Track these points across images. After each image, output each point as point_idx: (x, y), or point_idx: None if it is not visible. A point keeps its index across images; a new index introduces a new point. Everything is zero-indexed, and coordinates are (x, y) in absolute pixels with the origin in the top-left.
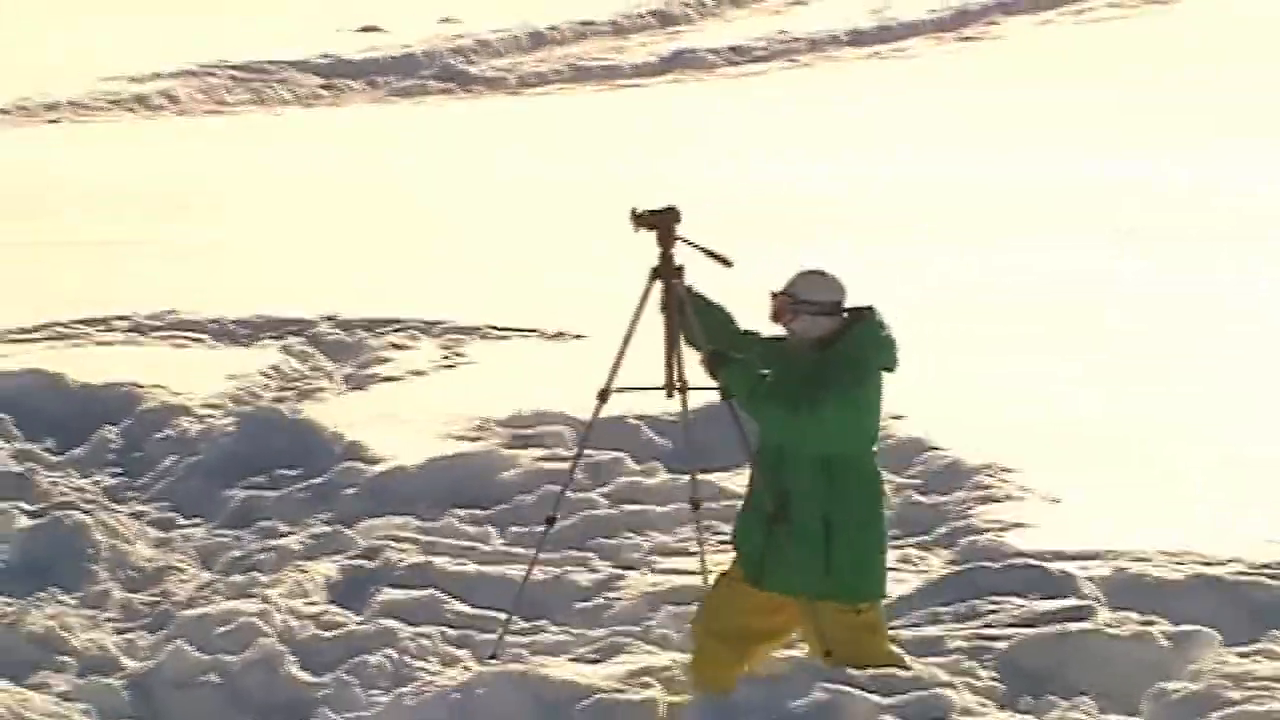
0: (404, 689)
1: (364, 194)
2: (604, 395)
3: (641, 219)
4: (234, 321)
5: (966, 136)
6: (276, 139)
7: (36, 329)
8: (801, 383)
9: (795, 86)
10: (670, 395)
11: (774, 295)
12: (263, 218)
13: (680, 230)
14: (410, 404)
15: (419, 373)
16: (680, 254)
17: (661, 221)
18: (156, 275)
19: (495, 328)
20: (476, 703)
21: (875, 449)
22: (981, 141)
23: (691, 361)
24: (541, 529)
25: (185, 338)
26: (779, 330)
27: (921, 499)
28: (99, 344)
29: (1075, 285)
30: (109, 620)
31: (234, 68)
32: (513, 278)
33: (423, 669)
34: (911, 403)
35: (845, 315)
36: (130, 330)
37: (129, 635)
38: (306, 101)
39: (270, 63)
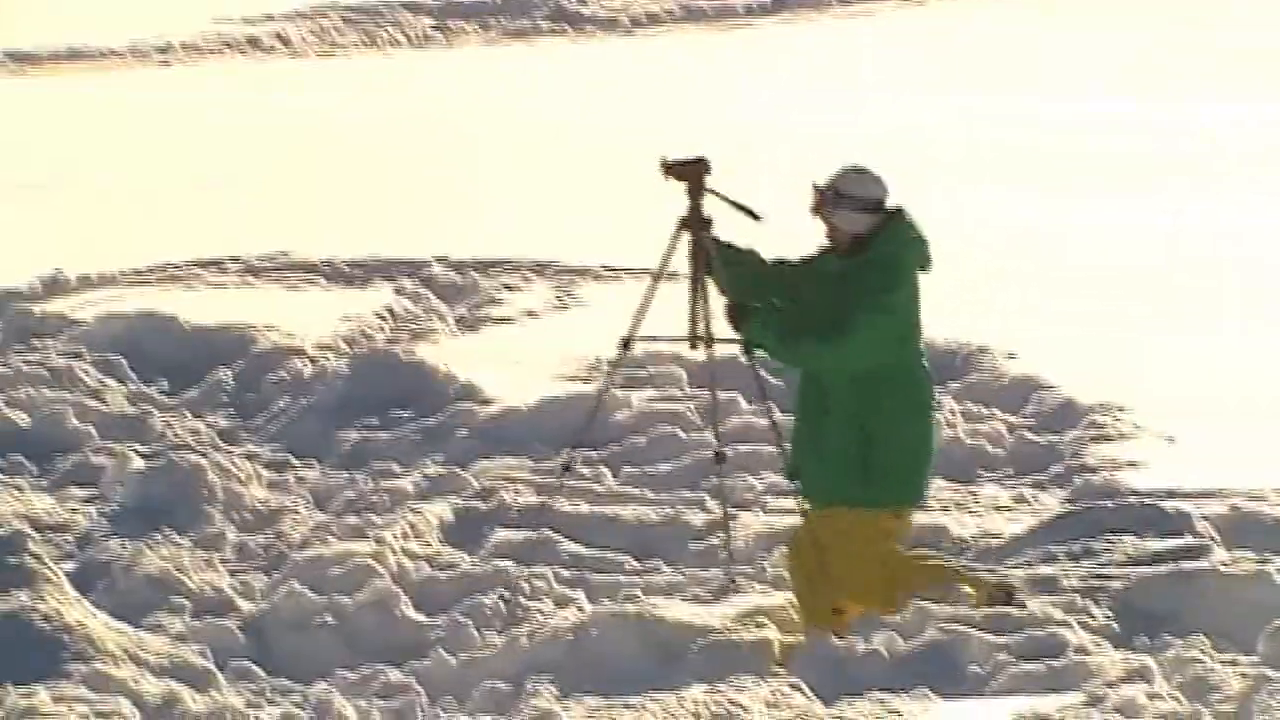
0: (518, 629)
1: (473, 135)
2: (627, 343)
3: (671, 169)
4: (347, 263)
5: (1078, 77)
6: (386, 80)
7: (149, 270)
8: (831, 300)
9: (907, 23)
10: (694, 346)
11: (816, 189)
12: (373, 159)
13: (710, 182)
14: (523, 345)
15: (531, 314)
16: (710, 206)
17: (691, 172)
18: (268, 217)
19: (607, 268)
20: (590, 643)
21: (921, 352)
22: (1090, 84)
23: (717, 313)
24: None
25: (298, 279)
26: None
27: (1035, 438)
28: (212, 285)
29: (1193, 228)
30: (223, 562)
31: (346, 9)
32: (624, 218)
33: (537, 609)
34: (1024, 341)
35: (882, 216)
36: (243, 272)
37: (243, 576)
38: (418, 43)
39: (382, 4)
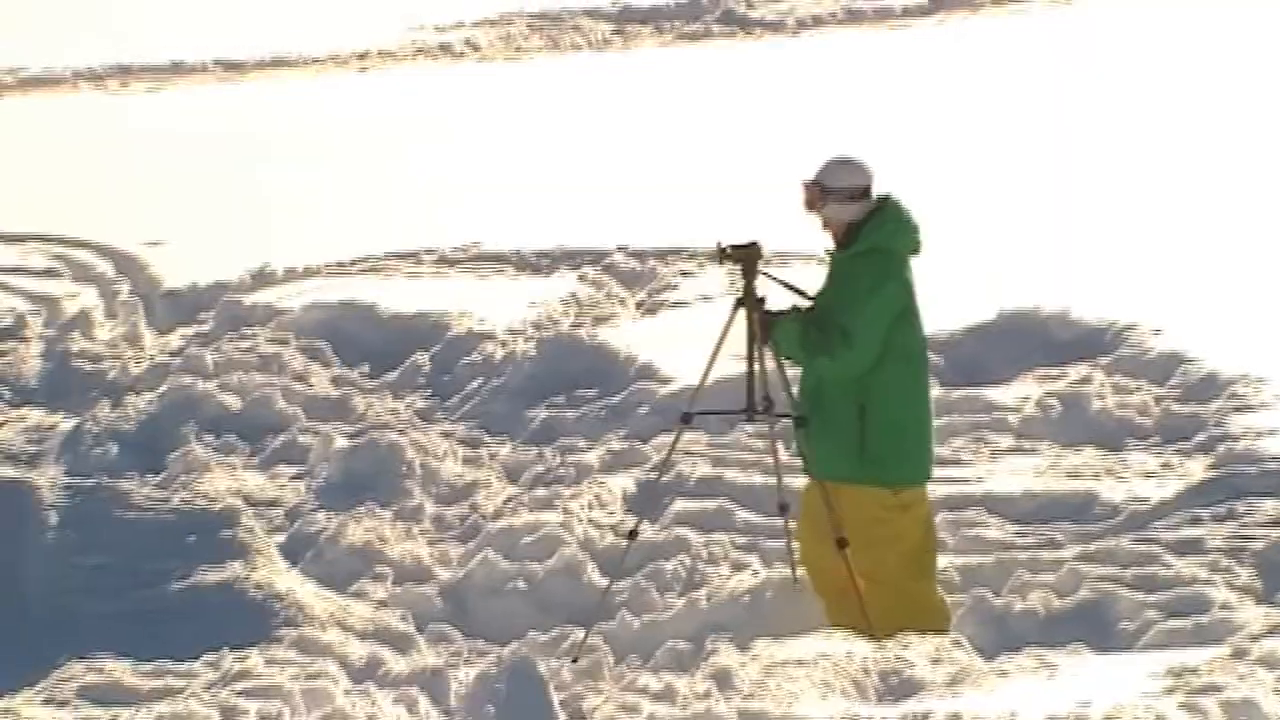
0: (697, 593)
1: (649, 131)
2: (687, 418)
3: (726, 254)
4: (534, 253)
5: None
6: (569, 82)
7: (352, 263)
8: (834, 301)
9: (1060, 22)
10: (751, 419)
11: (805, 184)
12: (557, 155)
13: (762, 265)
14: (699, 327)
15: (706, 298)
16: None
17: (746, 256)
18: (460, 210)
19: (777, 254)
20: (766, 605)
21: (918, 332)
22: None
23: (773, 386)
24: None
25: (489, 269)
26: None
27: (1181, 408)
28: (409, 276)
29: None
30: (422, 532)
31: (531, 15)
32: (792, 207)
33: (714, 574)
34: (1168, 317)
35: (874, 202)
36: (438, 263)
37: (441, 546)
38: (597, 46)
39: (564, 10)
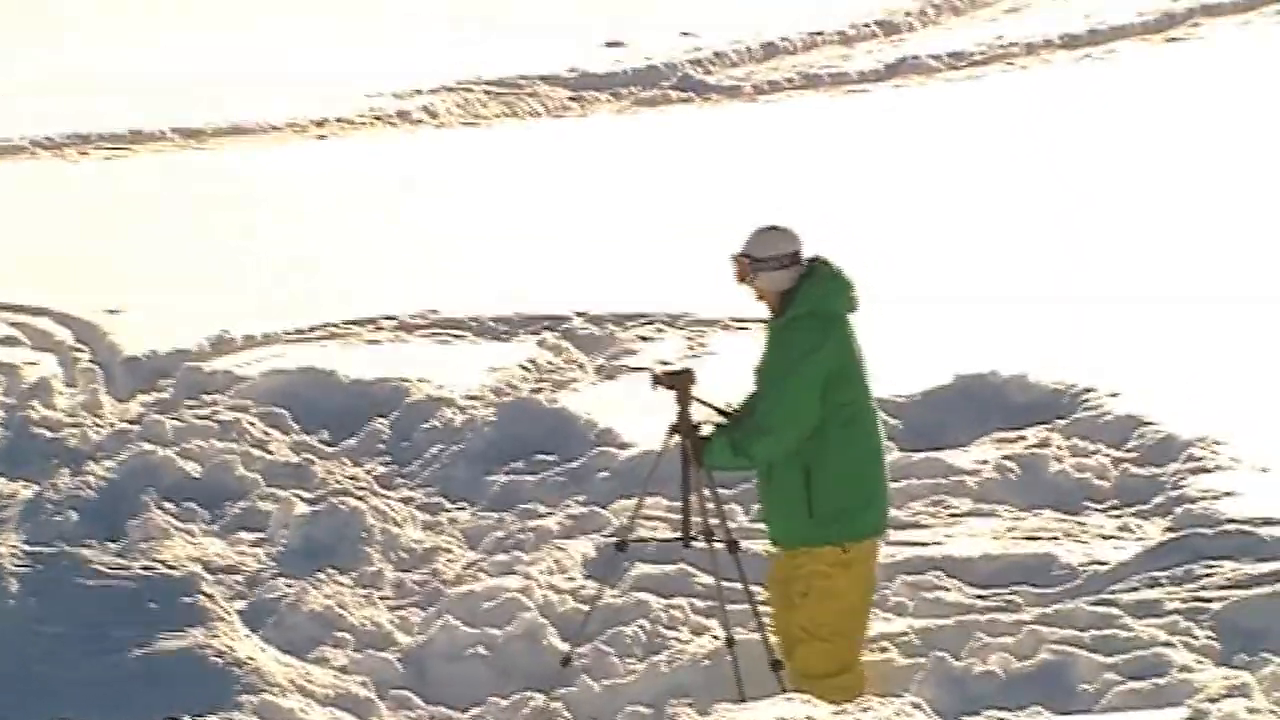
0: (658, 656)
1: (604, 197)
2: (622, 545)
3: (660, 380)
4: (492, 318)
5: (1171, 134)
6: (527, 148)
7: (311, 330)
8: (763, 374)
9: (1013, 88)
10: (687, 545)
11: (733, 257)
12: (516, 220)
13: (695, 389)
14: (657, 393)
15: (665, 363)
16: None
17: (679, 382)
18: (419, 277)
19: (736, 319)
20: (726, 668)
21: (864, 388)
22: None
23: (710, 510)
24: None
25: (447, 334)
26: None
27: (1138, 471)
28: (368, 342)
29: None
30: (383, 598)
31: (488, 82)
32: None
33: (675, 638)
34: (1126, 380)
35: (805, 266)
36: (397, 329)
37: (402, 612)
38: (556, 113)
39: (522, 77)
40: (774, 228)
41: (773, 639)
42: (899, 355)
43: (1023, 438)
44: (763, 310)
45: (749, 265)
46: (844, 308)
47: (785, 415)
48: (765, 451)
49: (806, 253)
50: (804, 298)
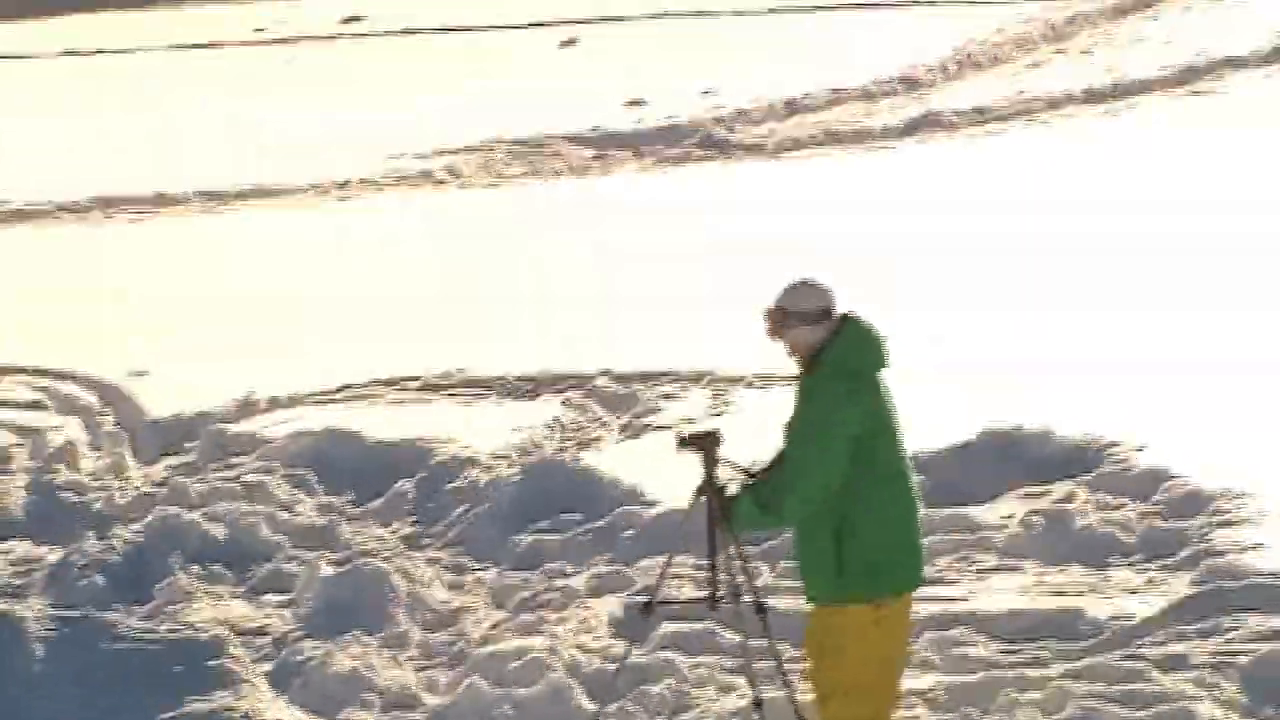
0: (685, 716)
1: (633, 255)
2: (648, 608)
3: (686, 443)
4: (517, 378)
5: (1196, 188)
6: (550, 207)
7: (336, 391)
8: (791, 429)
9: (1037, 143)
10: (715, 607)
11: (766, 311)
12: (539, 279)
13: (720, 451)
14: (683, 454)
15: (689, 420)
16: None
17: (705, 444)
18: (443, 337)
19: (760, 376)
20: None
21: (896, 444)
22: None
23: (738, 571)
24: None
25: (472, 394)
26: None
27: (1165, 524)
28: (392, 402)
29: None
30: (409, 659)
31: (512, 142)
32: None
33: (702, 697)
34: (1151, 433)
35: (836, 322)
36: (421, 389)
37: (428, 672)
38: (578, 172)
39: (545, 136)
40: (806, 282)
41: (803, 697)
42: (924, 411)
43: (1048, 492)
44: (790, 367)
45: (782, 319)
46: (874, 365)
47: (811, 473)
48: (791, 510)
49: (838, 309)
50: (834, 354)
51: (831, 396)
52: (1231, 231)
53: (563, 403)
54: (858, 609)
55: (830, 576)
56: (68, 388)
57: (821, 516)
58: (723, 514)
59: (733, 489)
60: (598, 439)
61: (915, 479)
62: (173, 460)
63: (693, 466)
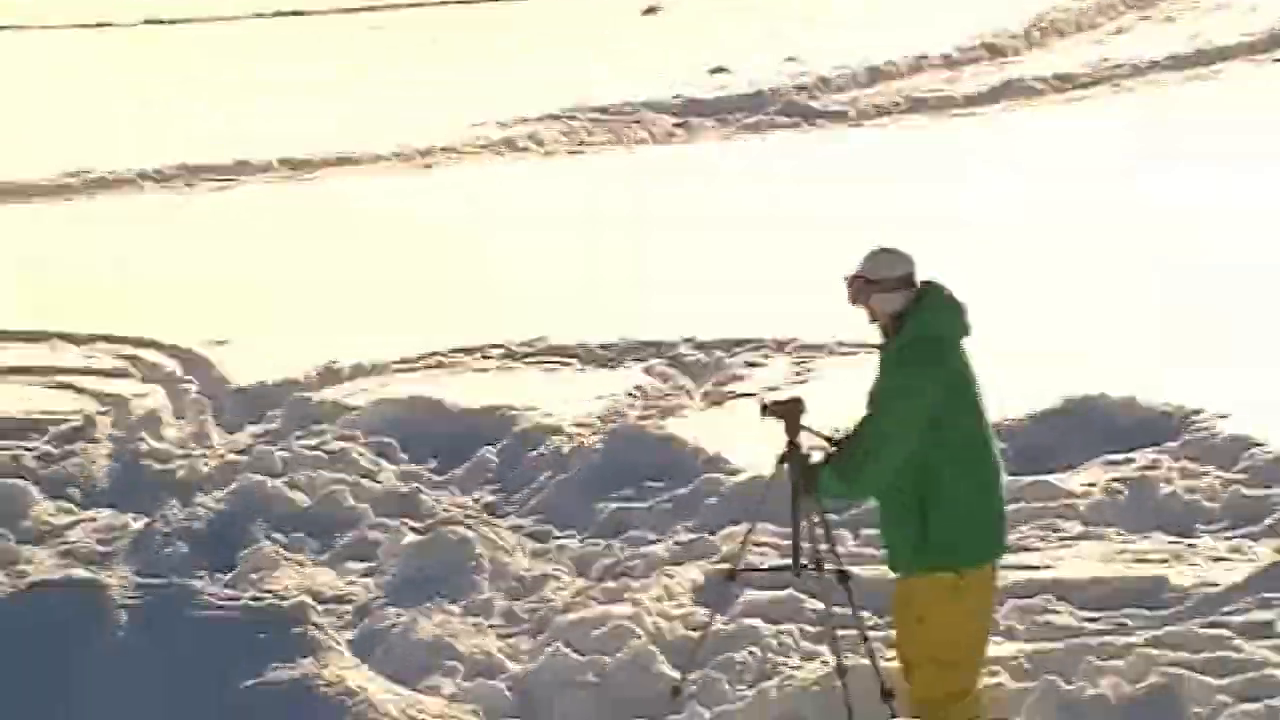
0: (768, 683)
1: (712, 224)
2: (732, 574)
3: (769, 409)
4: (600, 346)
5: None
6: (633, 175)
7: (419, 359)
8: (872, 398)
9: (1120, 108)
10: (798, 574)
11: (848, 278)
12: (621, 246)
13: (805, 419)
14: (766, 422)
15: (772, 388)
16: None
17: (788, 412)
18: (527, 305)
19: (842, 344)
20: (837, 696)
21: (980, 415)
22: None
23: (821, 539)
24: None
25: (555, 362)
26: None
27: (1249, 492)
28: (476, 370)
29: None
30: (492, 627)
31: (594, 110)
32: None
33: (785, 665)
34: (1235, 401)
35: (917, 289)
36: (504, 357)
37: (511, 640)
38: (661, 140)
39: (628, 104)
40: (888, 249)
41: (886, 666)
42: (1007, 378)
43: (1132, 460)
44: (872, 334)
45: (863, 285)
46: (956, 332)
47: (888, 443)
48: (868, 480)
49: (919, 277)
50: (915, 322)
51: (912, 366)
52: None
53: (645, 370)
54: (940, 577)
55: (913, 546)
56: (151, 355)
57: (904, 486)
58: (806, 482)
59: (816, 457)
60: (680, 407)
61: (998, 447)
62: (256, 428)
63: (776, 434)
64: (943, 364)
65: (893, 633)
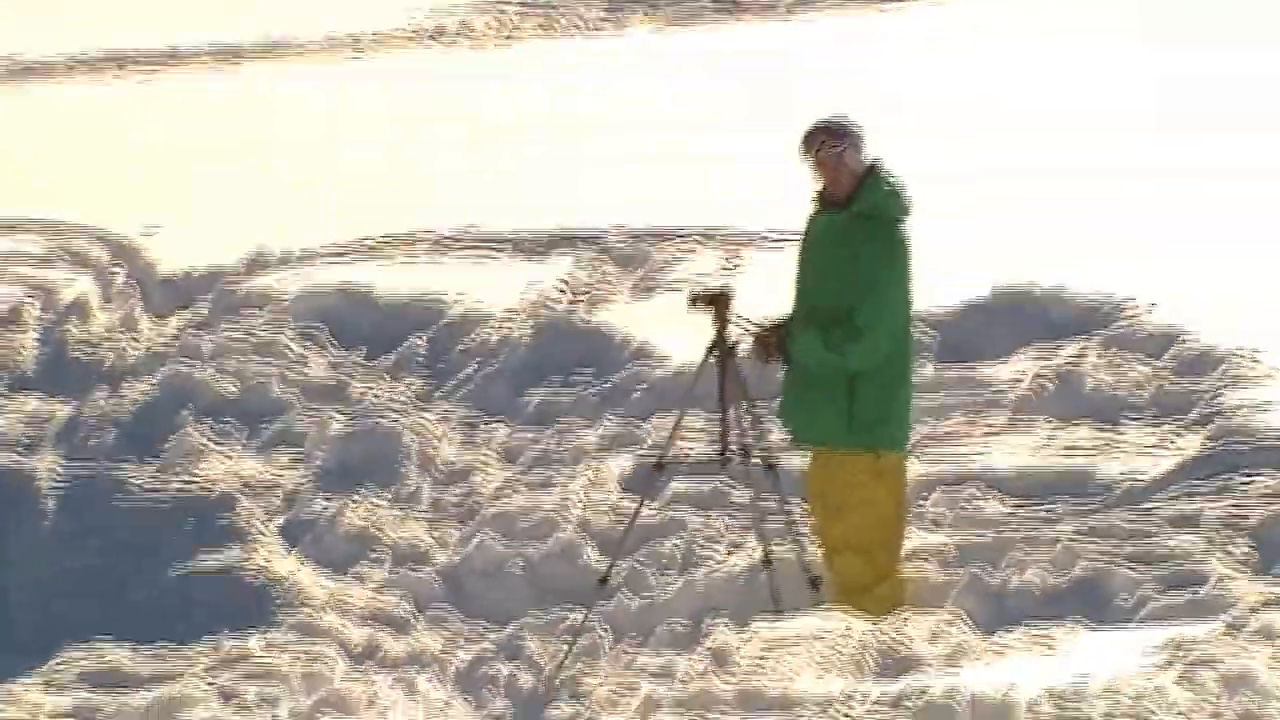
0: (695, 572)
1: (645, 114)
2: (659, 467)
3: (698, 300)
4: (529, 235)
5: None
6: (562, 65)
7: (348, 246)
8: (836, 270)
9: (1059, 3)
10: (724, 464)
11: (812, 137)
12: (551, 137)
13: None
14: (695, 312)
15: (703, 275)
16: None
17: (716, 302)
18: (456, 194)
19: (773, 232)
20: (763, 585)
21: (909, 302)
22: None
23: (748, 428)
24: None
25: (485, 251)
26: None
27: (1176, 383)
28: (405, 259)
29: None
30: (420, 516)
31: (522, 1)
32: (784, 186)
33: (712, 554)
34: (1164, 291)
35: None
36: (434, 246)
37: (439, 529)
38: (590, 31)
39: None
40: (843, 116)
41: (810, 554)
42: (935, 268)
43: (1060, 350)
44: (797, 223)
45: (842, 137)
46: (906, 211)
47: (881, 321)
48: (860, 356)
49: None
50: (874, 198)
51: (887, 244)
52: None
53: (574, 260)
54: (859, 459)
55: (840, 424)
56: (79, 243)
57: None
58: (778, 346)
59: (744, 347)
60: (609, 296)
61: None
62: (184, 316)
63: (704, 325)
64: (905, 247)
65: (814, 520)
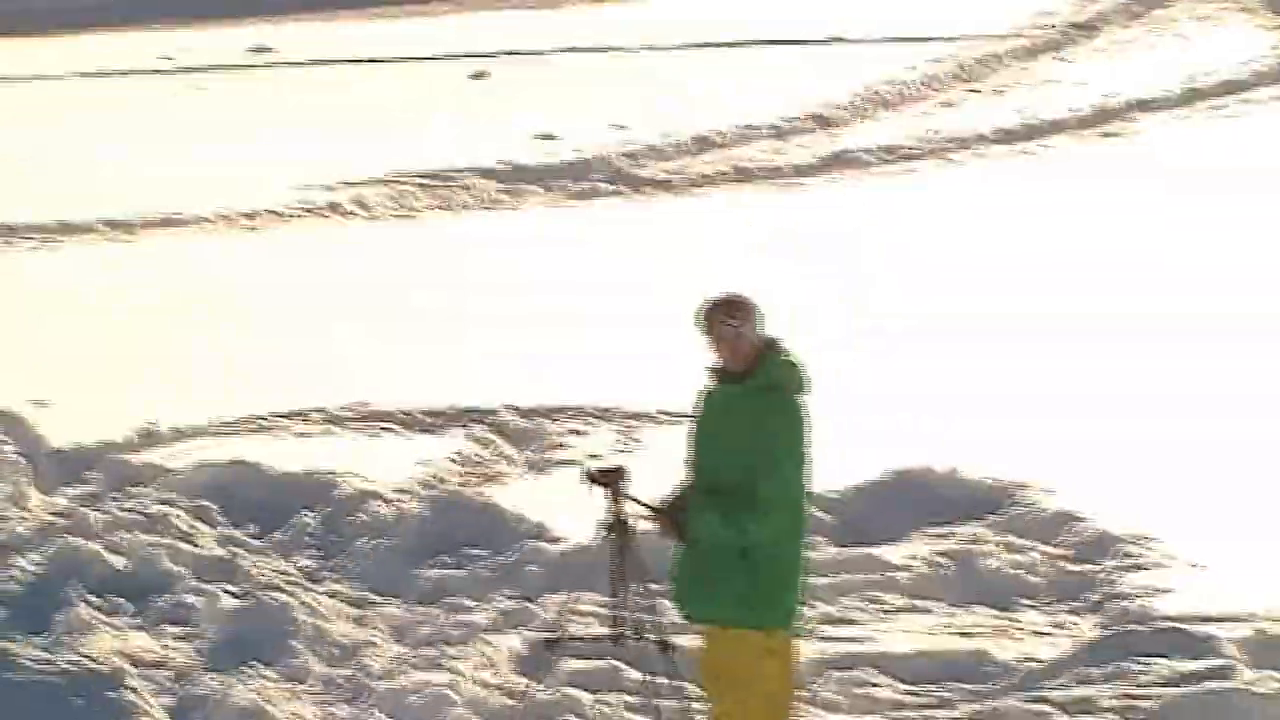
0: None
1: (536, 291)
2: (552, 644)
3: (592, 477)
4: (422, 411)
5: (1107, 229)
6: (459, 240)
7: (239, 421)
8: (736, 443)
9: (948, 182)
10: (618, 644)
11: (711, 311)
12: (445, 312)
13: (627, 487)
14: (590, 490)
15: (595, 456)
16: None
17: (611, 480)
18: (348, 369)
19: (664, 412)
20: None
21: (806, 474)
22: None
23: (642, 608)
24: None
25: (377, 427)
26: None
27: (1072, 567)
28: (297, 435)
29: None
30: (309, 693)
31: (420, 175)
32: (678, 366)
33: None
34: (1060, 476)
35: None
36: (326, 421)
37: (328, 707)
38: (487, 205)
39: (453, 169)
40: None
41: None
42: (832, 449)
43: (955, 533)
44: (685, 401)
45: (745, 315)
46: (804, 390)
47: (787, 496)
48: (761, 531)
49: None
50: (776, 369)
51: (790, 418)
52: (1142, 271)
53: (467, 437)
54: (750, 636)
55: (732, 601)
56: None
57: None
58: (672, 524)
59: (642, 525)
60: (503, 474)
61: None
62: (74, 490)
63: (599, 502)
64: (806, 410)
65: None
